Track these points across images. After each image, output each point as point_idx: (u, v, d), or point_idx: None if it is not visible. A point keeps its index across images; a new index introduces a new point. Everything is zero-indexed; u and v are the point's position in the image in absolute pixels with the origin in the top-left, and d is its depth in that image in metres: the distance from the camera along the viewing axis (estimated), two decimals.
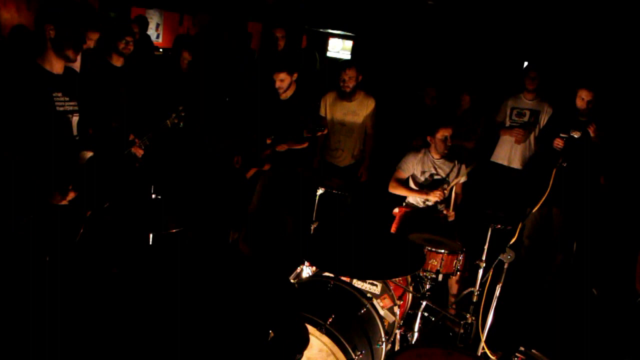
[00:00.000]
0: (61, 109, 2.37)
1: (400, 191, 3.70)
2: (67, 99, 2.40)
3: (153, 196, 2.78)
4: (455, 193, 3.69)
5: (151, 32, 7.36)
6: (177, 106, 3.24)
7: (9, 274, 2.30)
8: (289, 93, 3.81)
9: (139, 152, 2.87)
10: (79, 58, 3.52)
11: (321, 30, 7.63)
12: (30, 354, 2.31)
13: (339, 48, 7.76)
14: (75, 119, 2.46)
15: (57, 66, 2.35)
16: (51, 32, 2.26)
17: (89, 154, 2.56)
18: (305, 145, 3.78)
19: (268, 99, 3.86)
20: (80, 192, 2.40)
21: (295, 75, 3.78)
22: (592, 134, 3.55)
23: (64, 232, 2.46)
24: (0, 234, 2.27)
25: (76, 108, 2.46)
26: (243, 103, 3.93)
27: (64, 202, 2.33)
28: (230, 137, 3.91)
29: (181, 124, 3.26)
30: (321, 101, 4.18)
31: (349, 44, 7.67)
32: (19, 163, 2.26)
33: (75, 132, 2.47)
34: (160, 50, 7.11)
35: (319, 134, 3.73)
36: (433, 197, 3.55)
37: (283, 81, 3.71)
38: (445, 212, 3.61)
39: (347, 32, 7.56)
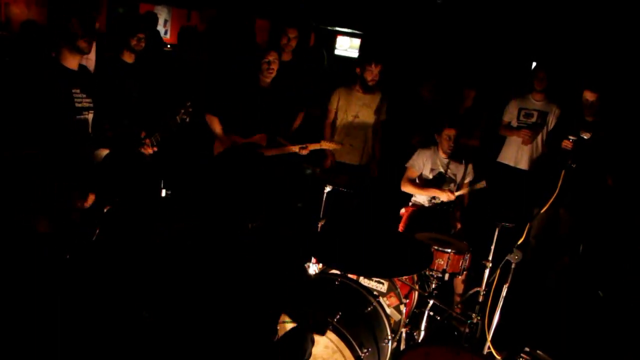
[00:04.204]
0: (79, 105, 2.38)
1: (412, 190, 3.71)
2: (84, 95, 2.41)
3: (163, 191, 2.80)
4: (462, 195, 3.71)
5: (159, 28, 7.37)
6: (185, 102, 3.24)
7: (30, 272, 2.33)
8: (270, 79, 3.66)
9: (149, 151, 2.87)
10: (94, 55, 3.53)
11: (329, 28, 7.62)
12: (48, 350, 2.35)
13: (347, 46, 7.74)
14: (90, 116, 2.47)
15: (73, 62, 2.36)
16: (76, 25, 2.25)
17: (105, 152, 2.58)
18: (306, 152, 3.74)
19: (248, 88, 3.69)
20: (97, 190, 2.42)
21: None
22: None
23: (83, 230, 2.48)
24: (21, 234, 2.29)
25: (91, 105, 2.47)
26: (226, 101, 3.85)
27: (85, 205, 2.35)
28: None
29: (188, 119, 3.25)
30: (332, 95, 4.17)
31: (356, 42, 7.66)
32: (38, 161, 2.28)
33: (89, 129, 2.48)
34: (169, 46, 7.13)
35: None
36: (443, 197, 3.56)
37: (274, 62, 3.57)
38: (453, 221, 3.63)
39: (355, 30, 7.55)
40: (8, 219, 2.28)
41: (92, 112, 2.48)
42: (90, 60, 3.54)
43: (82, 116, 2.41)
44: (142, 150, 2.79)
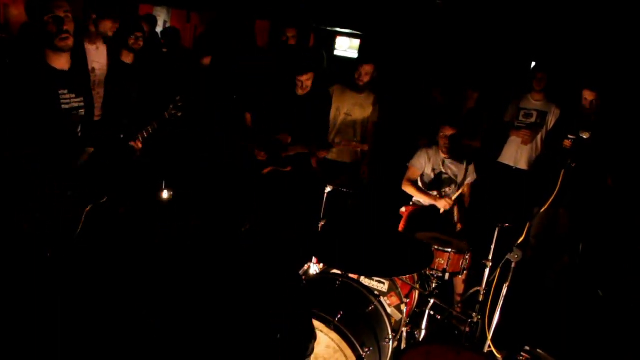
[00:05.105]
0: (67, 106, 2.34)
1: (412, 191, 3.72)
2: (72, 95, 2.37)
3: (165, 192, 2.80)
4: (462, 194, 3.71)
5: (158, 29, 7.38)
6: (174, 96, 3.20)
7: (10, 270, 2.32)
8: (304, 93, 3.86)
9: (138, 145, 2.85)
10: (104, 59, 3.51)
11: (328, 28, 7.63)
12: (32, 351, 2.34)
13: (347, 47, 7.76)
14: (80, 115, 2.44)
15: (59, 62, 2.30)
16: (50, 24, 2.20)
17: (90, 150, 2.56)
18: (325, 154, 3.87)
19: (284, 95, 3.85)
20: (80, 187, 2.42)
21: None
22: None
23: (64, 227, 2.46)
24: (2, 231, 2.29)
25: (82, 104, 2.43)
26: (260, 101, 3.92)
27: None
28: (246, 134, 3.90)
29: (179, 114, 3.20)
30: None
31: (356, 42, 7.67)
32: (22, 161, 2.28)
33: (79, 128, 2.46)
34: None
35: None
36: (440, 205, 3.56)
37: (308, 80, 3.76)
38: (454, 221, 3.64)
39: (355, 30, 7.57)
40: (5, 218, 2.29)
41: (83, 110, 2.44)
42: (102, 64, 3.52)
43: (69, 116, 2.38)
44: (131, 143, 2.77)
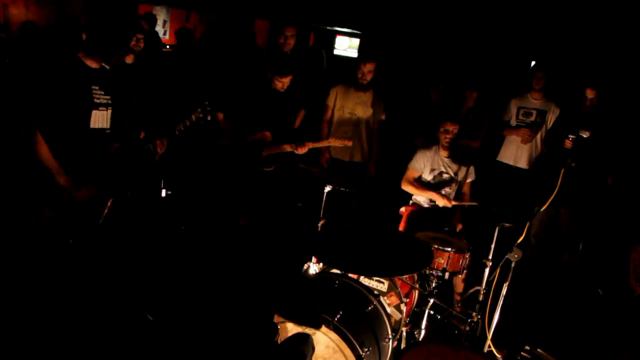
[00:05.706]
0: (97, 101, 2.51)
1: (412, 189, 3.72)
2: (102, 92, 2.53)
3: (163, 191, 2.82)
4: (463, 193, 3.71)
5: (158, 28, 7.38)
6: (203, 101, 3.23)
7: (31, 258, 2.40)
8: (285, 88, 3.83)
9: (163, 145, 2.92)
10: None
11: (328, 28, 7.63)
12: (47, 339, 2.40)
13: (346, 46, 7.76)
14: (109, 113, 2.59)
15: (94, 62, 2.50)
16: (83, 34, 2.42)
17: (116, 146, 2.70)
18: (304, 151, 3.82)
19: (261, 92, 3.81)
20: (105, 181, 2.57)
21: None
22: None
23: (86, 216, 2.57)
24: (24, 221, 2.38)
25: (110, 102, 2.59)
26: (234, 100, 3.90)
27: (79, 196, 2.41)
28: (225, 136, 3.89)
29: (208, 117, 3.23)
30: (330, 91, 4.23)
31: (355, 41, 7.67)
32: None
33: (108, 124, 2.60)
34: (168, 46, 7.13)
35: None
36: (440, 203, 3.56)
37: (284, 83, 3.72)
38: (454, 222, 3.63)
39: (355, 29, 7.56)
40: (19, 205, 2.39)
41: (110, 108, 2.59)
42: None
43: (98, 110, 2.53)
44: (157, 148, 2.86)
